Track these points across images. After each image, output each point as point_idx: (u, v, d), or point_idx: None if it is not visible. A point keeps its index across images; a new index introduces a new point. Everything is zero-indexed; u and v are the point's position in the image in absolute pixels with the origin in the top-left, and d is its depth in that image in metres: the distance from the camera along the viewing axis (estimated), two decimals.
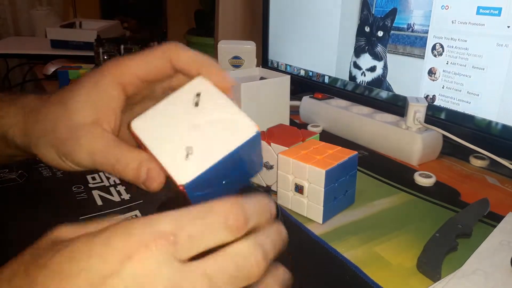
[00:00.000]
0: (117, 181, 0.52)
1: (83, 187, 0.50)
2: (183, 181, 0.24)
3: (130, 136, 0.28)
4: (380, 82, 0.70)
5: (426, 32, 0.62)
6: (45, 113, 0.31)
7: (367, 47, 0.71)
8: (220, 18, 1.15)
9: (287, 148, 0.48)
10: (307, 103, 0.77)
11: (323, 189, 0.43)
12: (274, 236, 0.23)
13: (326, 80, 0.81)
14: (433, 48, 0.61)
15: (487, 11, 0.54)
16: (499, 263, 0.36)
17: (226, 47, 0.83)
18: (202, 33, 1.34)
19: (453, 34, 0.58)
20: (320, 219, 0.45)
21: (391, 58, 0.68)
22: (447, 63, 0.60)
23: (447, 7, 0.59)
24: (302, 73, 0.87)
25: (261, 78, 0.70)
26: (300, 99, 0.79)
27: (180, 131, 0.26)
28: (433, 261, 0.38)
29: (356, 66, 0.74)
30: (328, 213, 0.45)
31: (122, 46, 0.96)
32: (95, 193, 0.49)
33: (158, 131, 0.27)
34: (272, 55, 0.94)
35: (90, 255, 0.19)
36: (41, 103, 0.32)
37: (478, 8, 0.55)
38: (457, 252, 0.40)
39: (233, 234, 0.21)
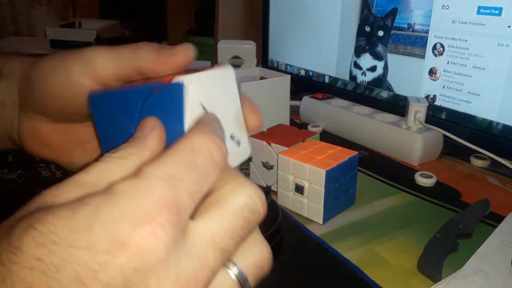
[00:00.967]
0: None
1: None
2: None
3: None
4: (380, 82, 0.70)
5: (427, 32, 0.61)
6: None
7: (367, 47, 0.71)
8: (220, 18, 1.15)
9: (287, 148, 0.48)
10: (307, 103, 0.77)
11: (323, 189, 0.43)
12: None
13: (327, 80, 0.81)
14: (434, 48, 0.61)
15: (488, 11, 0.54)
16: (500, 263, 0.36)
17: (226, 47, 0.83)
18: (202, 33, 1.34)
19: (454, 34, 0.58)
20: (320, 220, 0.45)
21: (391, 58, 0.68)
22: (447, 63, 0.60)
23: (447, 7, 0.59)
24: (302, 73, 0.87)
25: (261, 78, 0.69)
26: (300, 99, 0.79)
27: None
28: (434, 262, 0.38)
29: (357, 66, 0.74)
30: (329, 214, 0.45)
31: None
32: None
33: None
34: (272, 55, 0.94)
35: (73, 245, 0.15)
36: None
37: (479, 8, 0.55)
38: (457, 252, 0.40)
39: (221, 171, 0.19)
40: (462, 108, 0.59)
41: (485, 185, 0.55)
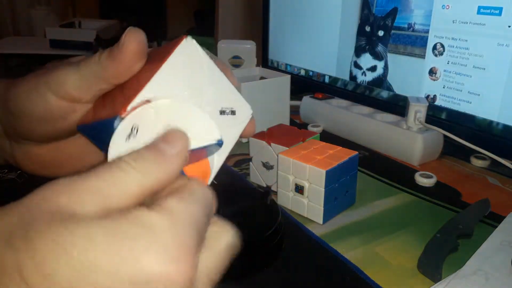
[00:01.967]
0: None
1: None
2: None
3: None
4: (380, 81, 0.70)
5: (427, 31, 0.61)
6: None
7: (367, 47, 0.71)
8: (220, 18, 1.15)
9: (287, 148, 0.48)
10: (308, 103, 0.77)
11: (323, 190, 0.43)
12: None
13: (327, 79, 0.81)
14: (434, 47, 0.61)
15: (488, 11, 0.54)
16: (500, 263, 0.36)
17: (226, 47, 0.83)
18: (202, 33, 1.34)
19: (454, 33, 0.58)
20: (320, 220, 0.45)
21: (391, 57, 0.68)
22: (448, 63, 0.60)
23: (447, 7, 0.59)
24: (303, 72, 0.87)
25: (261, 78, 0.69)
26: (300, 99, 0.79)
27: None
28: (434, 262, 0.38)
29: (357, 65, 0.74)
30: (329, 214, 0.45)
31: None
32: None
33: None
34: (272, 55, 0.94)
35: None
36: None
37: (479, 7, 0.55)
38: (457, 252, 0.40)
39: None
40: (462, 108, 0.59)
41: (485, 185, 0.55)
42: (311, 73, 0.85)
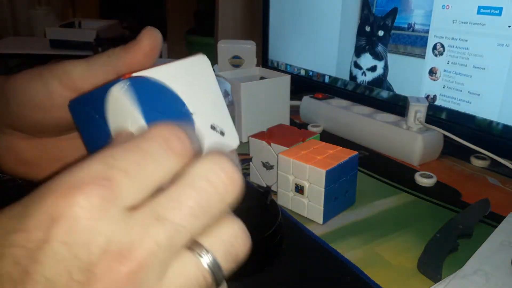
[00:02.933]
0: None
1: None
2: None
3: None
4: (380, 81, 0.70)
5: (427, 31, 0.61)
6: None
7: (367, 47, 0.71)
8: (220, 18, 1.15)
9: (287, 148, 0.48)
10: (308, 103, 0.77)
11: (323, 190, 0.43)
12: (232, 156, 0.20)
13: (327, 80, 0.81)
14: (434, 47, 0.61)
15: (488, 11, 0.54)
16: (500, 263, 0.36)
17: (226, 47, 0.83)
18: (202, 33, 1.34)
19: (454, 33, 0.58)
20: (320, 220, 0.45)
21: (391, 57, 0.68)
22: (448, 63, 0.60)
23: (447, 7, 0.59)
24: (303, 72, 0.87)
25: (261, 78, 0.69)
26: (300, 99, 0.79)
27: None
28: (434, 262, 0.38)
29: (357, 65, 0.74)
30: (329, 214, 0.45)
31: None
32: None
33: None
34: (272, 55, 0.94)
35: (7, 230, 0.16)
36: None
37: (479, 7, 0.55)
38: (458, 252, 0.40)
39: (181, 159, 0.18)
40: (462, 108, 0.59)
41: (485, 185, 0.55)
42: (311, 73, 0.85)
